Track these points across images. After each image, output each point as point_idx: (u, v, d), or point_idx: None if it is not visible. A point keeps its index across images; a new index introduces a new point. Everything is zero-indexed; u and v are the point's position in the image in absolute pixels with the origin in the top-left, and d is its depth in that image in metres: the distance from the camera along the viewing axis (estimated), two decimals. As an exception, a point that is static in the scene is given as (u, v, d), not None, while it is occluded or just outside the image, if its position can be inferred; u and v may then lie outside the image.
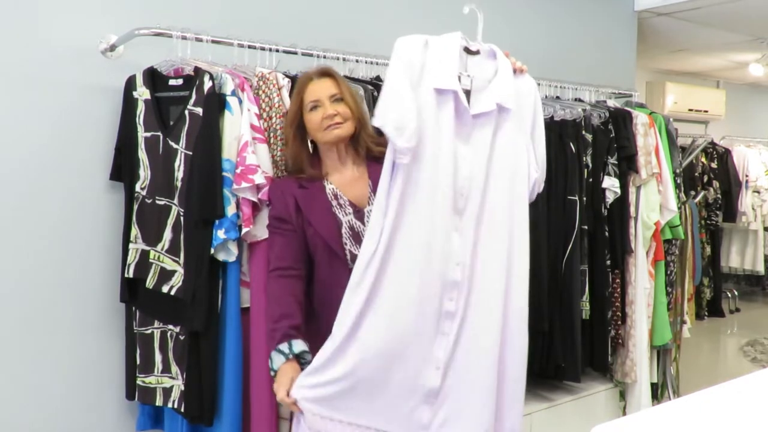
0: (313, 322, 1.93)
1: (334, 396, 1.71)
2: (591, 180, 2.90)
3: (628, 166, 2.98)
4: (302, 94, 1.97)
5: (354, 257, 1.85)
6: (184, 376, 2.07)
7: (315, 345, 1.80)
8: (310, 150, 2.03)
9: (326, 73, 1.99)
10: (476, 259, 1.75)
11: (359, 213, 1.95)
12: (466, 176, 1.74)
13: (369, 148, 1.99)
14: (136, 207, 2.21)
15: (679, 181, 3.39)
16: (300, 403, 1.73)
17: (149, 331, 2.20)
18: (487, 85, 1.79)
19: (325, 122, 1.92)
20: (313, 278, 1.97)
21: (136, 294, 2.24)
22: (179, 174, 2.08)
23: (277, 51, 2.31)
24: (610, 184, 2.92)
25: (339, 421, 1.72)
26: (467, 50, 1.81)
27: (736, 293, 6.55)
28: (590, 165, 2.89)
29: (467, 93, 1.78)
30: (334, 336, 1.74)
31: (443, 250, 1.72)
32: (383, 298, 1.70)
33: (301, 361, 1.81)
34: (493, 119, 1.77)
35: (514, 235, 1.78)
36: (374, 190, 1.83)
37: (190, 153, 2.04)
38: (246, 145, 2.01)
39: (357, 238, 1.91)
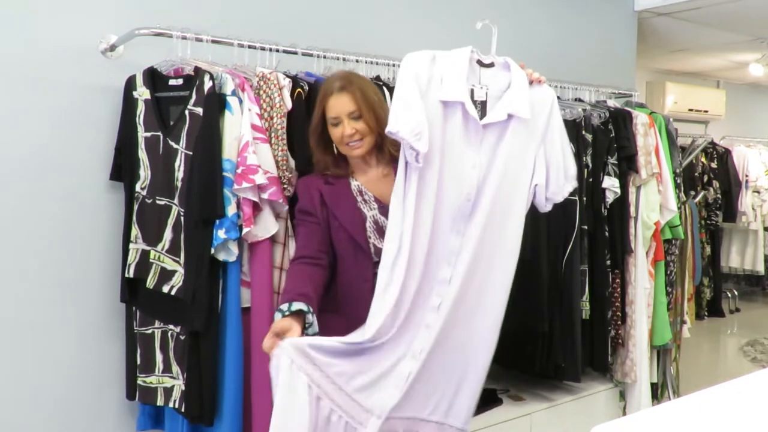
0: (337, 315, 1.96)
1: (328, 351, 1.74)
2: (591, 180, 2.90)
3: (628, 166, 2.98)
4: (323, 107, 1.97)
5: (378, 250, 1.92)
6: (185, 376, 2.07)
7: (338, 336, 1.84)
8: (335, 152, 2.04)
9: (344, 87, 1.95)
10: (475, 259, 1.82)
11: (384, 208, 1.98)
12: (476, 183, 1.82)
13: (394, 154, 1.99)
14: (136, 207, 2.21)
15: (679, 181, 3.39)
16: (288, 341, 1.70)
17: (150, 331, 2.20)
18: (501, 95, 1.86)
19: (345, 139, 1.95)
20: (336, 272, 2.00)
21: (136, 294, 2.24)
22: (179, 174, 2.08)
23: (277, 51, 2.31)
24: (610, 184, 2.92)
25: (320, 372, 1.72)
26: (481, 63, 1.87)
27: (736, 293, 6.54)
28: (590, 165, 2.89)
29: (483, 104, 1.85)
30: (365, 335, 1.79)
31: (441, 250, 1.82)
32: (400, 301, 1.80)
33: (306, 323, 1.78)
34: (505, 129, 1.84)
35: (505, 238, 1.85)
36: None
37: (191, 153, 2.04)
38: (247, 145, 2.01)
39: (381, 231, 1.95)
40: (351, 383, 1.76)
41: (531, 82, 1.88)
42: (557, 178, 1.89)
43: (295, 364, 1.69)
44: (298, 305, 1.77)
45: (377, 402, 1.78)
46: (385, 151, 2.00)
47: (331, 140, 2.00)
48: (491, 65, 1.88)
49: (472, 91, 1.83)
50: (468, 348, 1.84)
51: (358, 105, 1.93)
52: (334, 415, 1.73)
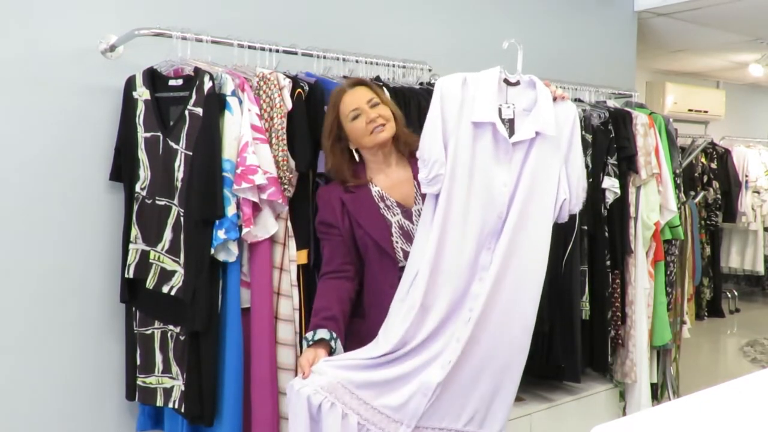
0: (363, 319, 2.01)
1: (350, 367, 1.80)
2: (591, 180, 2.90)
3: (628, 167, 2.98)
4: (338, 107, 2.02)
5: (405, 254, 1.97)
6: (185, 376, 2.07)
7: (363, 343, 1.88)
8: (353, 158, 2.07)
9: (357, 83, 2.06)
10: (503, 273, 1.84)
11: (407, 213, 2.04)
12: (507, 201, 1.85)
13: (410, 146, 2.06)
14: (136, 207, 2.21)
15: (678, 182, 3.39)
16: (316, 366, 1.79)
17: (149, 332, 2.20)
18: (528, 113, 1.90)
19: (370, 126, 1.99)
20: (363, 278, 2.04)
21: (136, 294, 2.24)
22: (179, 174, 2.08)
23: (277, 51, 2.31)
24: (610, 185, 2.92)
25: (343, 388, 1.76)
26: (507, 82, 1.92)
27: (736, 293, 6.54)
28: (590, 165, 2.89)
29: (511, 122, 1.90)
30: (379, 343, 1.83)
31: (471, 267, 1.85)
32: (430, 314, 1.83)
33: (330, 350, 1.87)
34: (532, 145, 1.88)
35: (532, 251, 1.88)
36: (420, 188, 1.95)
37: (190, 153, 2.04)
38: (246, 145, 2.01)
39: (407, 236, 2.01)
40: (377, 398, 1.78)
41: (555, 99, 1.92)
42: (577, 191, 1.94)
43: (320, 386, 1.74)
44: (320, 335, 1.86)
45: (406, 412, 1.79)
46: (402, 144, 2.07)
47: (347, 147, 2.04)
48: (517, 84, 1.93)
49: (499, 110, 1.88)
50: (501, 358, 1.86)
51: (375, 93, 2.03)
52: (363, 430, 1.76)
